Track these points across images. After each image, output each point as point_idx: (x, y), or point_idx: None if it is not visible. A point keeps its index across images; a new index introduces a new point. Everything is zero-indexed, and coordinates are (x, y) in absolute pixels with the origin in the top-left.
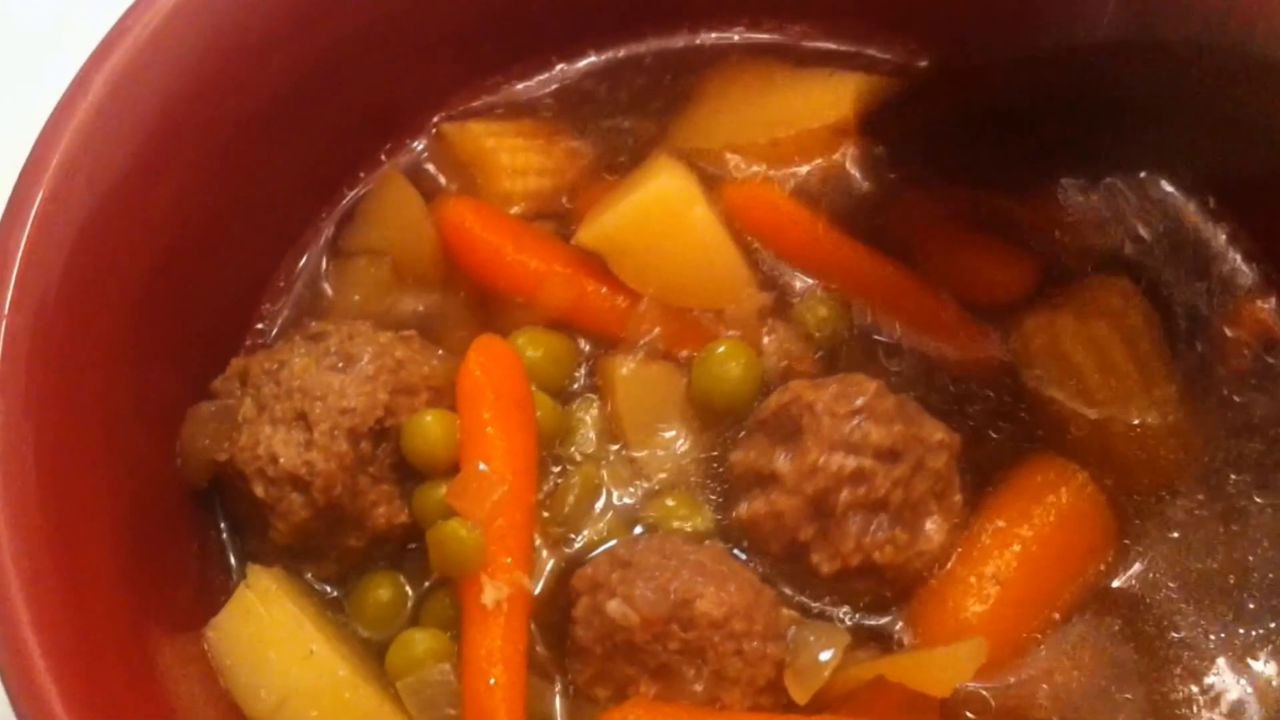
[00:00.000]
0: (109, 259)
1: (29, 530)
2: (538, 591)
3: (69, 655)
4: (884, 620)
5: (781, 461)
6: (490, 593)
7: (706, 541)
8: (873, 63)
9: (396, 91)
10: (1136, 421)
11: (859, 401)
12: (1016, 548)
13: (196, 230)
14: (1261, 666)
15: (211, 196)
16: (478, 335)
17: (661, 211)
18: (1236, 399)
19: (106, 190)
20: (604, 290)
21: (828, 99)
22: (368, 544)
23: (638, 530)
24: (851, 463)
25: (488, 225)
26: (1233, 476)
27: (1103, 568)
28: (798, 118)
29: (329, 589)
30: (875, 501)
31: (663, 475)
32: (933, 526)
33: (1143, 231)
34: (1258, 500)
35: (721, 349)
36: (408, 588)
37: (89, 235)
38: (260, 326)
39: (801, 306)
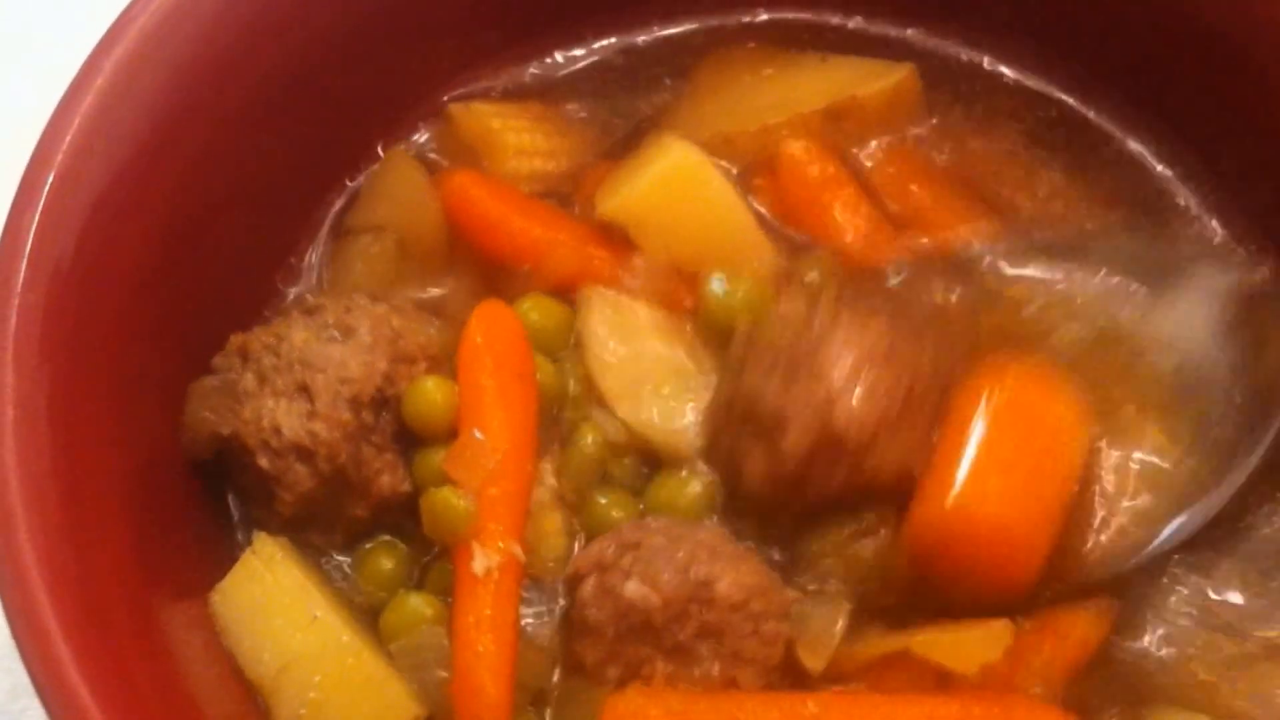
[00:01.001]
0: (120, 237)
1: (43, 500)
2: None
3: (81, 619)
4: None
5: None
6: (480, 560)
7: (707, 522)
8: (870, 43)
9: (404, 72)
10: None
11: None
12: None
13: (206, 210)
14: None
15: (221, 177)
16: (476, 282)
17: (681, 182)
18: None
19: (118, 169)
20: (608, 257)
21: (820, 85)
22: (372, 512)
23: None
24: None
25: (493, 195)
26: None
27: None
28: (788, 104)
29: (336, 557)
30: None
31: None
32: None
33: None
34: None
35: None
36: (411, 556)
37: (100, 214)
38: (271, 304)
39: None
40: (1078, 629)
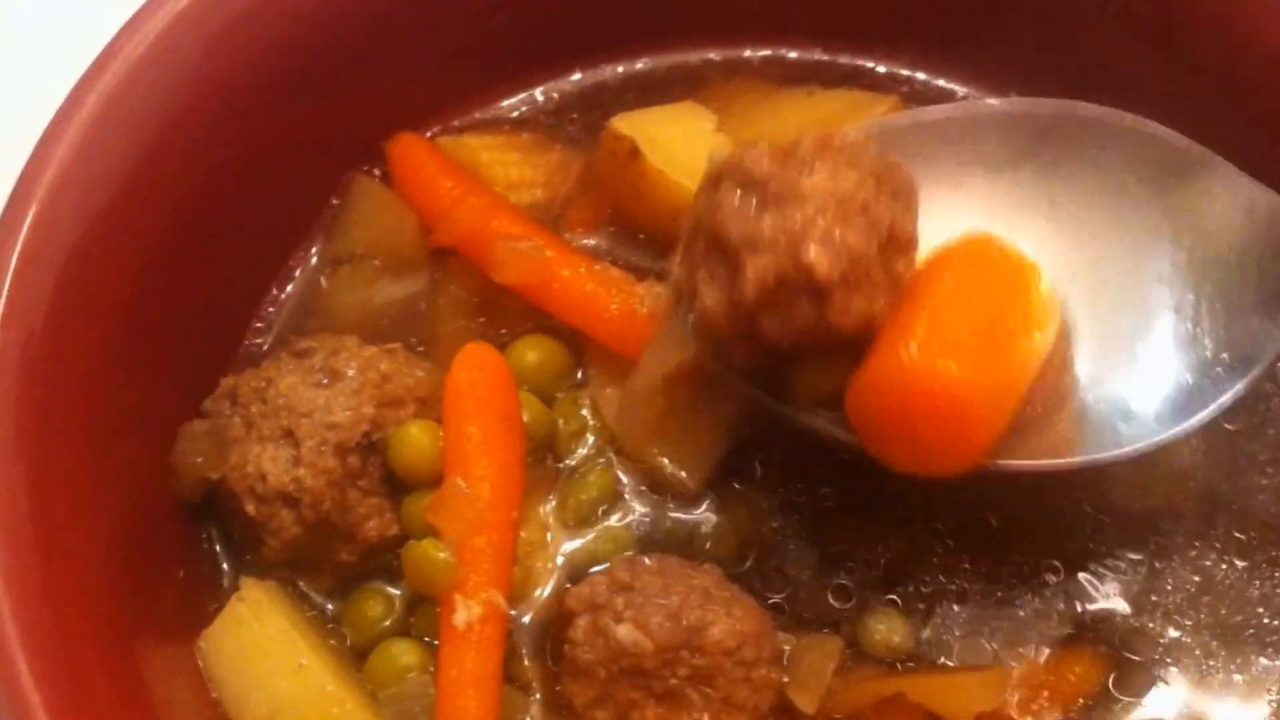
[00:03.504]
0: (101, 274)
1: (18, 544)
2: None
3: (56, 667)
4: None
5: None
6: (462, 614)
7: (706, 565)
8: (858, 74)
9: (390, 106)
10: None
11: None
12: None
13: (189, 247)
14: None
15: (204, 213)
16: (470, 323)
17: (689, 118)
18: None
19: (99, 207)
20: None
21: (805, 120)
22: (361, 557)
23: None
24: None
25: (425, 154)
26: None
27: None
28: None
29: (325, 601)
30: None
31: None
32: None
33: None
34: None
35: None
36: (398, 602)
37: (81, 251)
38: (258, 333)
39: None
40: (1075, 672)
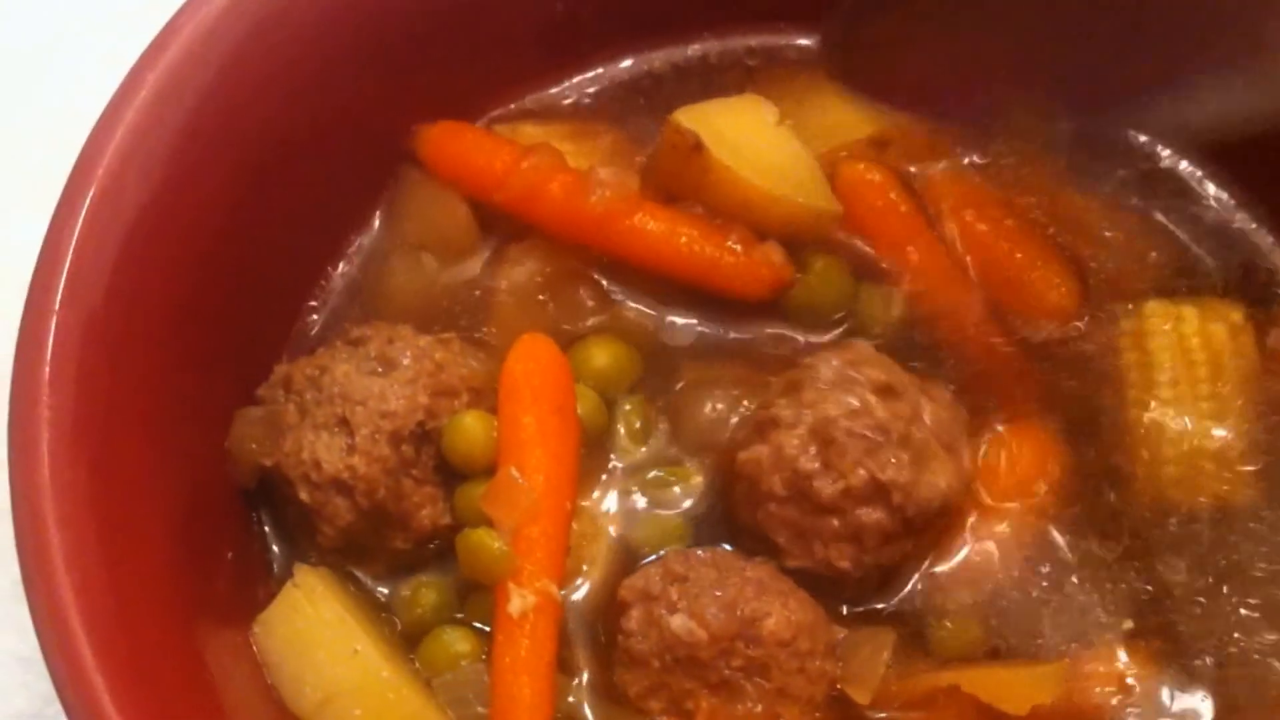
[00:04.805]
0: (160, 256)
1: (79, 528)
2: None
3: (118, 650)
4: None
5: (780, 406)
6: (517, 602)
7: (757, 559)
8: None
9: (444, 93)
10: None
11: (858, 356)
12: None
13: (247, 228)
14: None
15: (262, 196)
16: (526, 314)
17: (751, 110)
18: None
19: (157, 188)
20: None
21: (865, 112)
22: (414, 544)
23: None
24: (852, 400)
25: (469, 134)
26: None
27: None
28: (835, 131)
29: (378, 587)
30: (877, 426)
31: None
32: (939, 468)
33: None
34: None
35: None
36: (450, 590)
37: (141, 231)
38: (311, 312)
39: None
40: (1132, 666)
